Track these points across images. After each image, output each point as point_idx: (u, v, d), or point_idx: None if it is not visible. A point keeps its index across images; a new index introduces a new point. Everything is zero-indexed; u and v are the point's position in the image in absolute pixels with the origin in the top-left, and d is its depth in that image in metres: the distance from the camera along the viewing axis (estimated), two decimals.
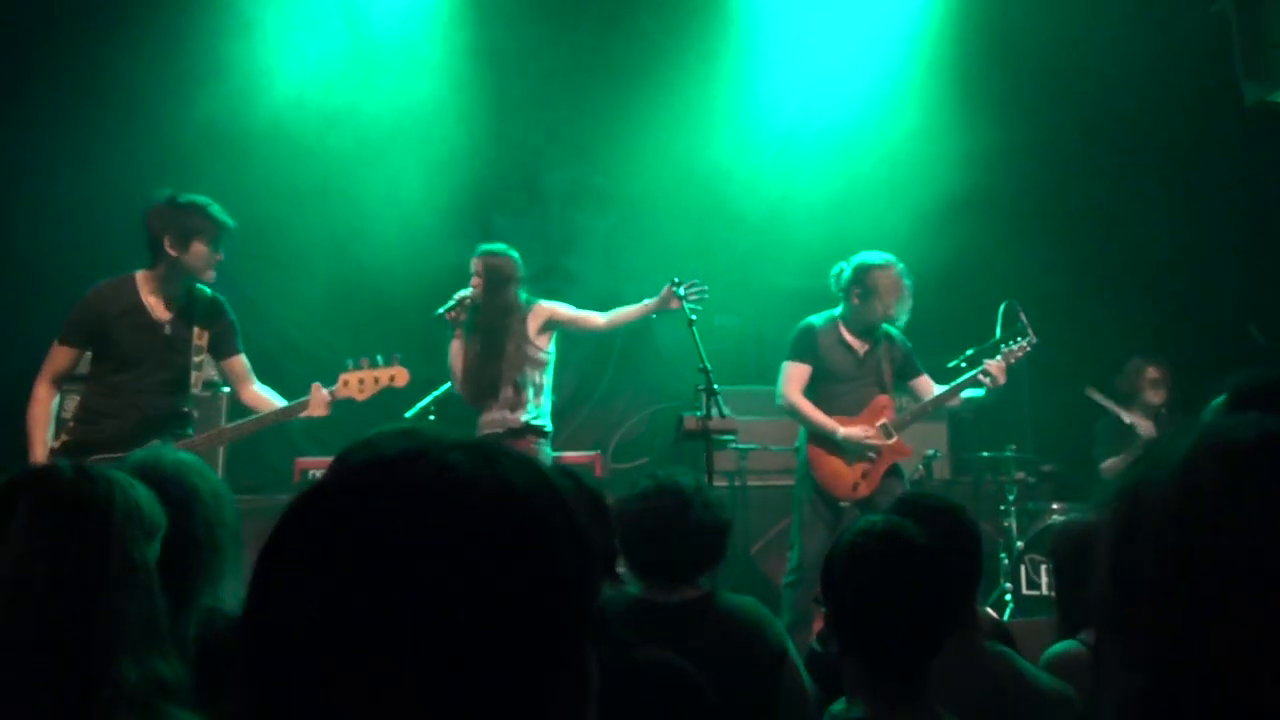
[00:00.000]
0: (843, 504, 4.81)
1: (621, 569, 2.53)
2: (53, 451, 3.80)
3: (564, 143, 7.41)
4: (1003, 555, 5.50)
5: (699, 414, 4.34)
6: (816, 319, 4.93)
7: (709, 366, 4.37)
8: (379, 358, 4.08)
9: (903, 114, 6.81)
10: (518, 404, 4.72)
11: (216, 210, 3.92)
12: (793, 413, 4.84)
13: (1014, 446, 5.77)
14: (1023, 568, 5.36)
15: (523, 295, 4.86)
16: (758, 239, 7.11)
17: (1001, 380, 4.80)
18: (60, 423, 4.04)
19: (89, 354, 3.98)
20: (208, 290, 4.04)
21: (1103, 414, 5.96)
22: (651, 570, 2.45)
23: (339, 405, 4.08)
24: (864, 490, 4.76)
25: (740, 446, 5.85)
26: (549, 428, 4.85)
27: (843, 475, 4.77)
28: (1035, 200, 6.79)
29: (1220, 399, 1.69)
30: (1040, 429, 6.38)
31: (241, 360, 4.14)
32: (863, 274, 4.80)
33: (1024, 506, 5.71)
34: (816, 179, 6.89)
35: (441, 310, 4.77)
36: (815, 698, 2.38)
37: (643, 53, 7.07)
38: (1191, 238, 6.51)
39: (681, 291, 4.58)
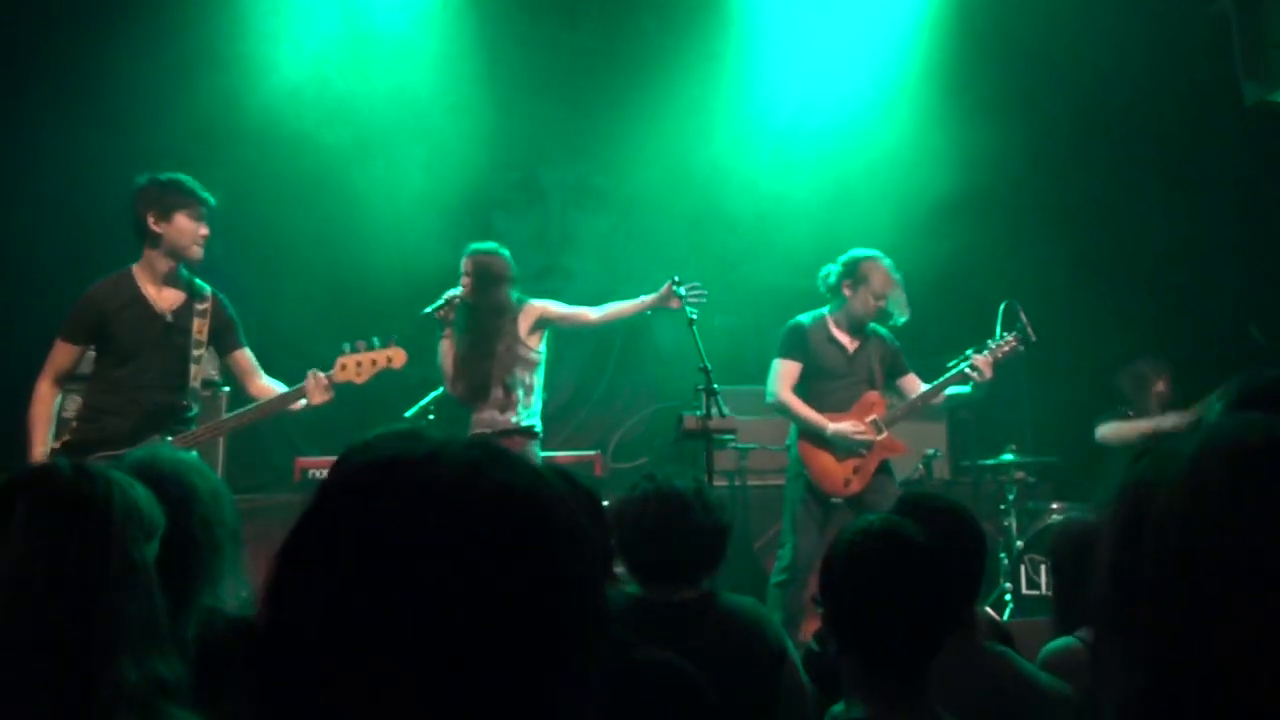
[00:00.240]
0: (834, 501, 4.82)
1: (620, 569, 2.53)
2: (54, 451, 3.80)
3: (564, 142, 7.40)
4: (1002, 555, 5.50)
5: (699, 413, 4.34)
6: (805, 317, 4.96)
7: (709, 366, 4.37)
8: (375, 339, 4.06)
9: (901, 113, 6.81)
10: (508, 405, 4.68)
11: (196, 184, 3.92)
12: (783, 410, 4.86)
13: (1014, 446, 5.77)
14: (1022, 567, 5.36)
15: (514, 294, 4.82)
16: (757, 238, 7.10)
17: (989, 375, 4.77)
18: (62, 423, 4.04)
19: (91, 354, 3.98)
20: (207, 286, 4.04)
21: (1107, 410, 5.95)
22: (651, 572, 2.44)
23: (339, 407, 4.06)
24: (855, 486, 4.77)
25: (740, 446, 5.85)
26: (539, 429, 4.81)
27: (834, 472, 4.78)
28: (1035, 200, 6.80)
29: (1221, 400, 1.69)
30: (1040, 429, 6.38)
31: (246, 354, 4.13)
32: (853, 266, 4.85)
33: (1024, 506, 5.71)
34: (816, 179, 6.89)
35: (430, 309, 4.74)
36: (813, 697, 2.38)
37: (643, 53, 7.07)
38: (1191, 237, 6.51)
39: (682, 291, 4.57)
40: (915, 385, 4.98)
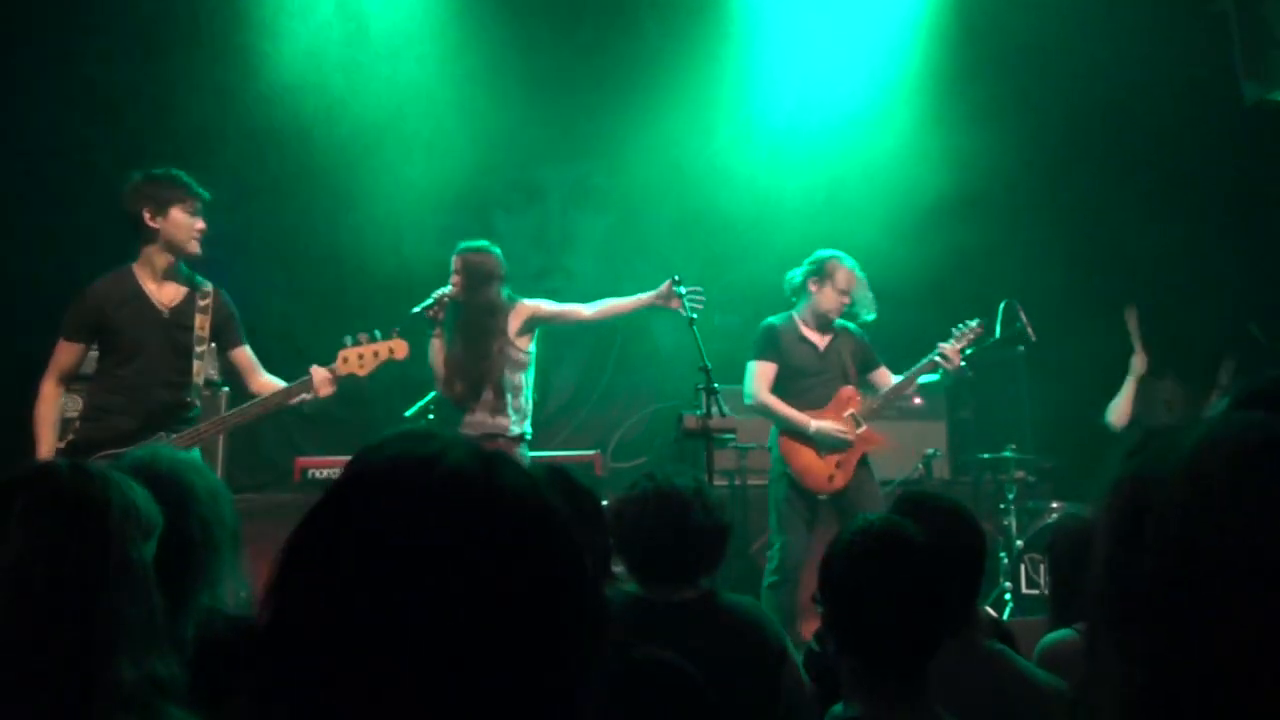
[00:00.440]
0: (820, 497, 4.85)
1: (620, 568, 2.53)
2: (59, 451, 3.80)
3: (564, 142, 7.41)
4: (1002, 554, 5.50)
5: (699, 413, 4.34)
6: (775, 319, 5.04)
7: (709, 365, 4.37)
8: (377, 332, 4.07)
9: (900, 112, 6.81)
10: (499, 407, 4.64)
11: (189, 179, 3.91)
12: (763, 411, 4.91)
13: (1013, 445, 5.77)
14: (1022, 566, 5.37)
15: (505, 293, 4.77)
16: (757, 237, 7.10)
17: (957, 363, 4.87)
18: (66, 422, 4.03)
19: (94, 353, 3.98)
20: (207, 282, 4.03)
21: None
22: (650, 571, 2.44)
23: (340, 406, 4.06)
24: (839, 482, 4.82)
25: (740, 446, 5.85)
26: (528, 432, 4.77)
27: (817, 469, 4.82)
28: (1034, 199, 6.80)
29: (1225, 401, 1.69)
30: (1040, 428, 6.38)
31: (246, 351, 4.12)
32: (818, 265, 4.96)
33: (1023, 505, 5.72)
34: (815, 178, 6.89)
35: (419, 308, 4.67)
36: (813, 696, 2.37)
37: (642, 52, 7.07)
38: (1191, 236, 6.50)
39: (682, 290, 4.58)
40: (887, 378, 5.05)
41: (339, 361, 3.97)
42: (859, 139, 6.89)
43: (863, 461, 4.92)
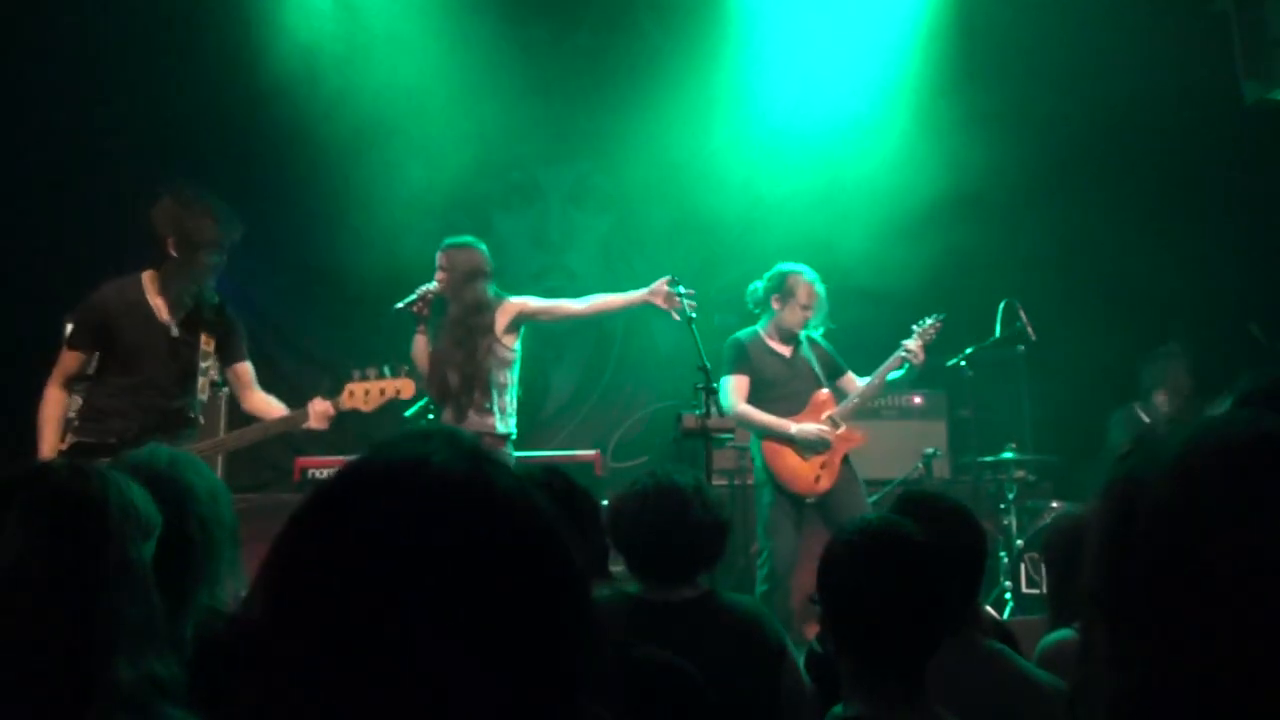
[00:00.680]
0: (808, 500, 4.88)
1: (619, 568, 2.53)
2: (60, 454, 3.79)
3: (563, 141, 7.41)
4: (1002, 553, 5.50)
5: (698, 413, 4.35)
6: (742, 334, 5.11)
7: (708, 365, 4.38)
8: (386, 369, 4.07)
9: (900, 113, 6.82)
10: (483, 406, 4.57)
11: (224, 214, 3.83)
12: (743, 421, 4.94)
13: (1013, 445, 5.77)
14: (1022, 566, 5.37)
15: (492, 290, 4.69)
16: (756, 237, 7.11)
17: (921, 358, 4.98)
18: (65, 424, 4.03)
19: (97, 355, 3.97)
20: (214, 295, 4.02)
21: (1118, 407, 5.95)
22: (650, 569, 2.44)
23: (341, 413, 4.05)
24: (825, 483, 4.87)
25: (739, 445, 5.85)
26: (514, 431, 4.71)
27: (802, 471, 4.87)
28: (1033, 199, 6.79)
29: (1228, 400, 1.69)
30: (1039, 427, 6.38)
31: (247, 367, 4.12)
32: (779, 280, 5.06)
33: (1024, 505, 5.72)
34: (815, 179, 6.89)
35: (402, 304, 4.61)
36: (814, 696, 2.37)
37: (642, 52, 7.08)
38: (1191, 236, 6.50)
39: (681, 289, 4.58)
40: (853, 383, 5.14)
41: (344, 395, 3.98)
42: (857, 140, 6.89)
43: (845, 461, 4.98)
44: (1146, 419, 5.83)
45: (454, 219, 6.96)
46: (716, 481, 4.76)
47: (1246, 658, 0.74)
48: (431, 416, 4.97)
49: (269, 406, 4.06)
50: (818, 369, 5.08)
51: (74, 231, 6.02)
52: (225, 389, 5.55)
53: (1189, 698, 0.76)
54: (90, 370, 4.02)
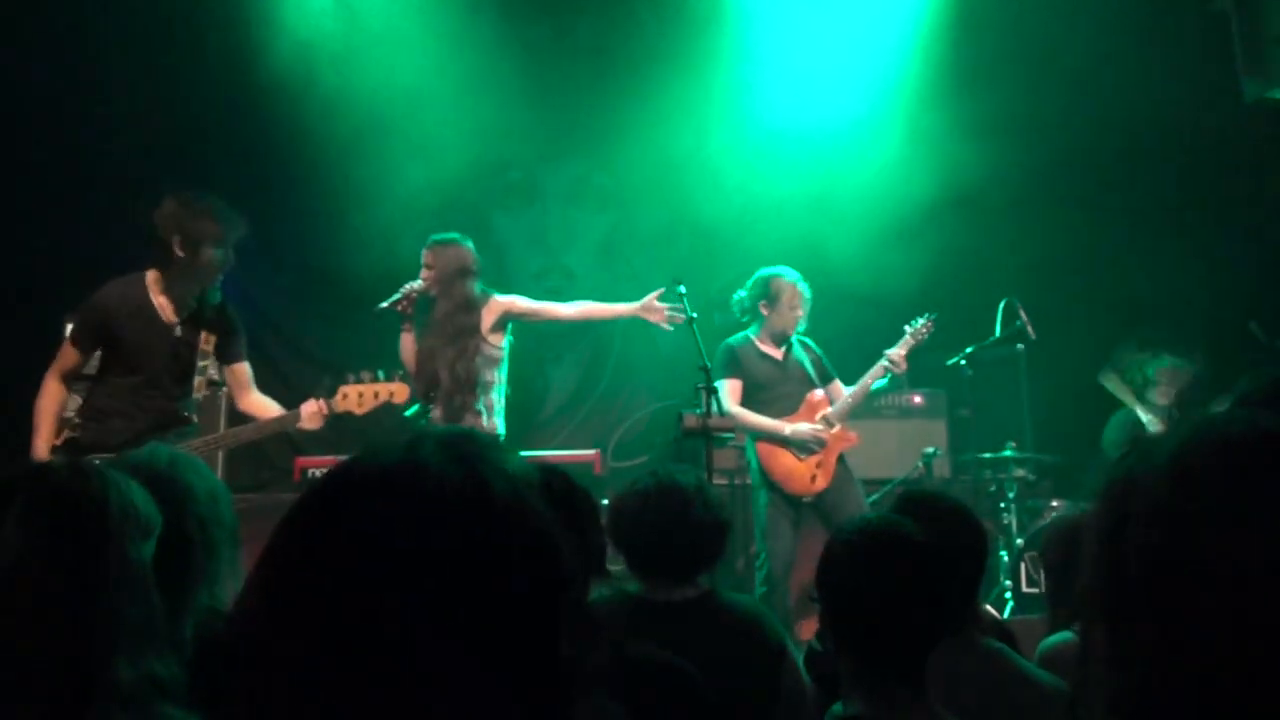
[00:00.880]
0: (805, 499, 4.90)
1: (620, 567, 2.53)
2: (55, 450, 3.80)
3: (563, 141, 7.41)
4: (1003, 553, 5.50)
5: (699, 412, 4.35)
6: (733, 340, 5.14)
7: (709, 365, 4.38)
8: (380, 373, 4.07)
9: (900, 113, 6.81)
10: (470, 404, 4.52)
11: (227, 214, 3.84)
12: (737, 424, 4.95)
13: (1013, 443, 5.77)
14: (1022, 565, 5.37)
15: (478, 288, 4.65)
16: (757, 236, 7.11)
17: (903, 367, 5.02)
18: (64, 422, 4.03)
19: (97, 354, 3.98)
20: (217, 295, 4.02)
21: (1117, 406, 5.95)
22: (651, 569, 2.44)
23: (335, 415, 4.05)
24: (821, 483, 4.89)
25: (740, 445, 5.84)
26: (502, 429, 4.67)
27: (798, 472, 4.89)
28: (1033, 198, 6.79)
29: (1228, 400, 1.69)
30: (1040, 426, 6.38)
31: (245, 368, 4.12)
32: (764, 286, 5.10)
33: (1024, 504, 5.72)
34: (816, 179, 6.89)
35: (386, 303, 4.57)
36: (814, 695, 2.37)
37: (641, 51, 7.07)
38: (1191, 234, 6.50)
39: (682, 289, 4.59)
40: (840, 391, 5.15)
41: (338, 397, 3.98)
42: (857, 141, 6.89)
43: (840, 461, 4.99)
44: (1145, 417, 5.82)
45: (453, 219, 6.94)
46: (717, 481, 4.76)
47: (1246, 657, 0.74)
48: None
49: (265, 408, 4.06)
50: (810, 371, 5.11)
51: (73, 231, 6.02)
52: (225, 389, 5.56)
53: (1189, 697, 0.76)
54: (91, 370, 4.03)
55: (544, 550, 0.79)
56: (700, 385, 4.37)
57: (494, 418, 4.62)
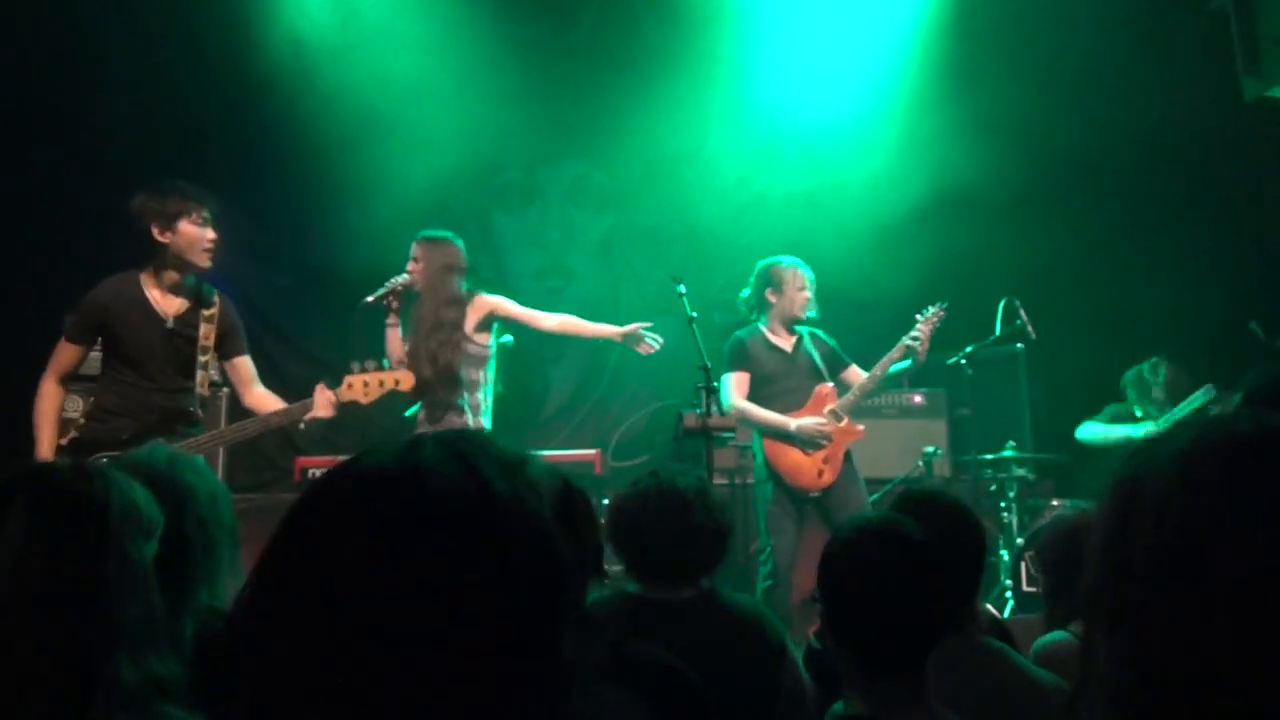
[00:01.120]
0: (808, 496, 4.88)
1: (619, 567, 2.53)
2: (61, 448, 3.81)
3: (563, 140, 7.41)
4: (1003, 552, 5.51)
5: (699, 412, 4.35)
6: (742, 332, 5.11)
7: (709, 364, 4.38)
8: (385, 361, 4.06)
9: (901, 113, 6.82)
10: (454, 403, 4.48)
11: (194, 188, 3.88)
12: (743, 419, 4.94)
13: (1014, 443, 5.77)
14: (1023, 564, 5.37)
15: (465, 285, 4.61)
16: (757, 236, 7.11)
17: (925, 348, 4.93)
18: (67, 423, 4.03)
19: (97, 355, 3.98)
20: (214, 290, 4.03)
21: (1113, 401, 5.94)
22: (647, 569, 2.44)
23: (339, 405, 4.05)
24: (828, 477, 4.87)
25: (740, 444, 5.85)
26: (489, 428, 4.61)
27: (805, 467, 4.87)
28: (1034, 197, 6.79)
29: (1236, 397, 1.69)
30: (1040, 425, 6.38)
31: (246, 362, 4.11)
32: (766, 274, 5.10)
33: (1024, 503, 5.72)
34: (816, 178, 6.89)
35: (371, 298, 4.53)
36: (814, 695, 2.37)
37: (643, 50, 7.07)
38: (1191, 233, 6.50)
39: (682, 289, 4.60)
40: (857, 375, 5.11)
41: (343, 386, 3.95)
42: (858, 140, 6.89)
43: (848, 457, 4.98)
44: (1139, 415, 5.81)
45: (453, 218, 6.95)
46: (717, 480, 4.77)
47: (1249, 657, 0.74)
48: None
49: (270, 402, 4.05)
50: (819, 363, 5.08)
51: (73, 231, 6.02)
52: (226, 389, 5.56)
53: (1189, 696, 0.76)
54: (90, 369, 4.03)
55: (545, 549, 0.79)
56: (700, 385, 4.37)
57: (480, 417, 4.57)
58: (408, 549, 0.74)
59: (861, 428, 5.03)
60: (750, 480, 6.16)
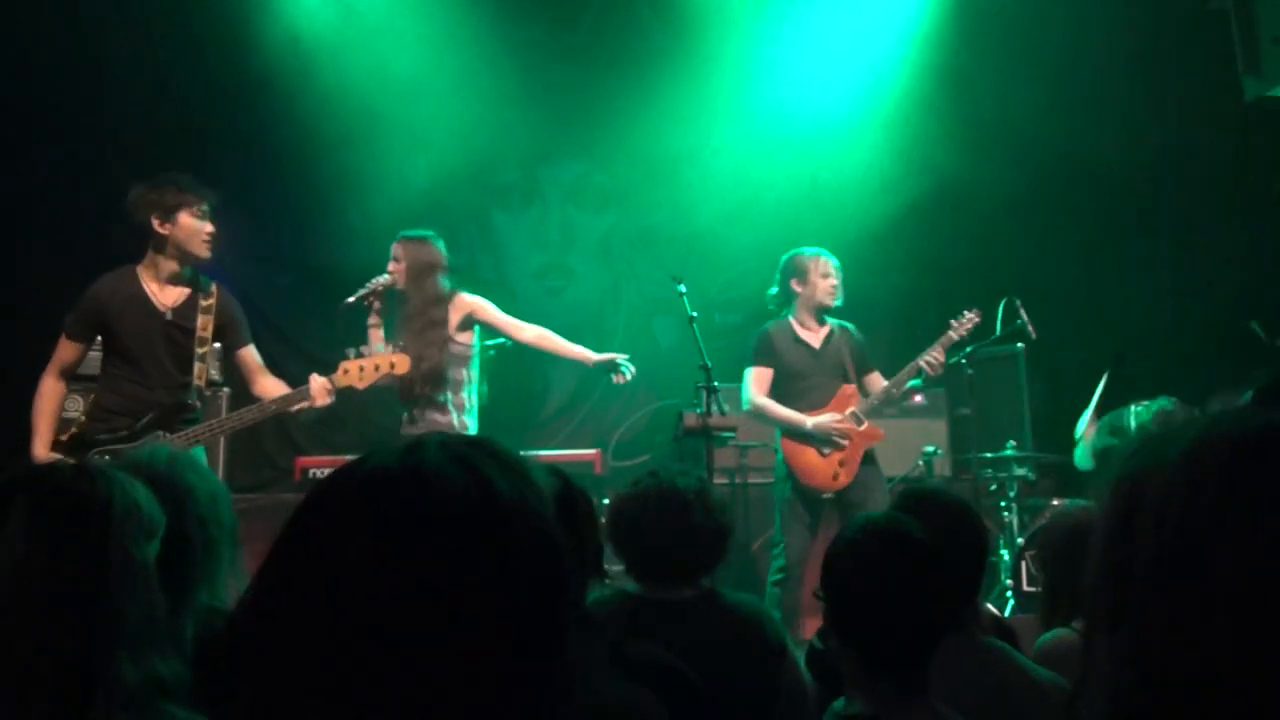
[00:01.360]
0: (825, 496, 4.86)
1: (619, 567, 2.53)
2: (59, 443, 3.81)
3: (563, 140, 7.41)
4: (1004, 551, 5.50)
5: (699, 411, 4.35)
6: (770, 324, 5.06)
7: (709, 364, 4.38)
8: (379, 346, 4.07)
9: (903, 111, 6.81)
10: (438, 403, 4.47)
11: (193, 181, 3.89)
12: (761, 415, 4.93)
13: (1014, 443, 5.77)
14: (1023, 564, 5.37)
15: (446, 285, 4.60)
16: (757, 236, 7.11)
17: (939, 368, 4.89)
18: (67, 422, 4.03)
19: (97, 354, 3.98)
20: (212, 282, 4.03)
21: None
22: (646, 569, 2.43)
23: (342, 405, 4.05)
24: (844, 479, 4.84)
25: (740, 444, 5.85)
26: (473, 429, 4.59)
27: (821, 468, 4.84)
28: (1034, 196, 6.79)
29: (1246, 397, 1.69)
30: (1040, 424, 6.38)
31: (251, 352, 4.11)
32: (791, 265, 5.03)
33: (1025, 502, 5.71)
34: (817, 177, 6.89)
35: (352, 299, 4.52)
36: (815, 694, 2.37)
37: (642, 49, 7.07)
38: (1192, 233, 6.50)
39: (682, 286, 4.61)
40: (878, 382, 5.06)
41: (339, 372, 3.96)
42: (860, 138, 6.89)
43: (868, 459, 4.92)
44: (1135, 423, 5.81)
45: (453, 218, 6.95)
46: (717, 480, 4.77)
47: (1247, 656, 0.73)
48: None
49: (279, 391, 4.03)
50: (848, 362, 5.00)
51: (73, 231, 6.02)
52: (226, 388, 5.56)
53: (1189, 696, 0.76)
54: (90, 368, 4.03)
55: (547, 551, 0.79)
56: (700, 384, 4.37)
57: (464, 416, 4.55)
58: (410, 550, 0.74)
59: (883, 431, 4.98)
60: (750, 480, 6.18)
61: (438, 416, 4.47)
